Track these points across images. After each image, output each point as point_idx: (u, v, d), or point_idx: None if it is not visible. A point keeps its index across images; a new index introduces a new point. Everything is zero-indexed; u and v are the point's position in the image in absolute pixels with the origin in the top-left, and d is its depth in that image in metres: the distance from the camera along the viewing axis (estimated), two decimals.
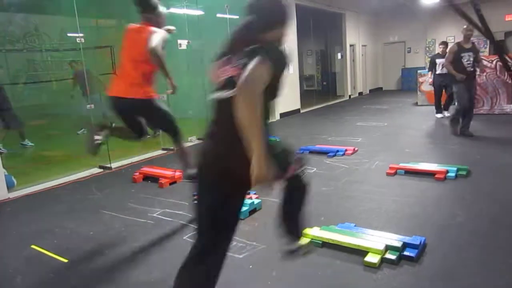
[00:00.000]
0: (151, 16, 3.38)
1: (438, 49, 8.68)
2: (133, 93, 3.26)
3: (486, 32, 4.59)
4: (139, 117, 3.48)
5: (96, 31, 9.15)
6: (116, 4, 9.38)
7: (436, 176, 4.32)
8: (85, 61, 6.36)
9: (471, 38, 6.27)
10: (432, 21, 14.32)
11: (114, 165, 5.82)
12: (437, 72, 8.22)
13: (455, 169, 4.40)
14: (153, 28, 3.26)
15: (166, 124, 3.64)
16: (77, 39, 5.47)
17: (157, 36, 3.19)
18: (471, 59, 6.16)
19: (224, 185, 1.69)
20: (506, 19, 13.44)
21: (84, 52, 5.96)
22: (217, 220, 1.76)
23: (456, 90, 6.32)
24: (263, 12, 1.75)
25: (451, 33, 13.80)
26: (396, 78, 16.28)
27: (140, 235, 3.37)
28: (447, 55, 6.50)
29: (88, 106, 5.91)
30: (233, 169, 1.63)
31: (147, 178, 5.02)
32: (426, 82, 10.57)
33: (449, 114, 7.93)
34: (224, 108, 1.60)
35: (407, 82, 15.24)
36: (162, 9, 3.52)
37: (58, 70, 9.91)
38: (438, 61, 8.16)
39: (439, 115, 8.53)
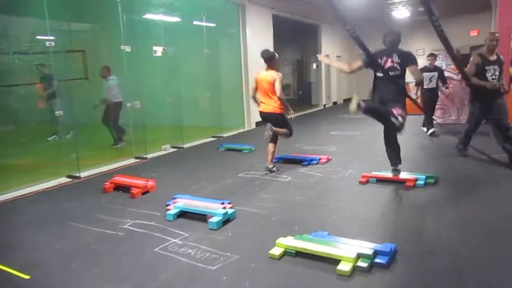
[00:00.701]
0: (272, 63, 5.29)
1: (426, 62, 7.86)
2: (272, 109, 5.30)
3: (446, 45, 4.88)
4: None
5: (68, 35, 8.92)
6: (89, 8, 9.21)
7: (406, 184, 4.41)
8: (55, 65, 6.17)
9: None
10: (404, 34, 14.74)
11: (83, 174, 5.64)
12: (425, 87, 7.60)
13: (424, 177, 4.50)
14: (275, 73, 5.19)
15: (289, 128, 5.54)
16: (47, 42, 5.31)
17: (278, 83, 5.14)
18: (497, 73, 5.14)
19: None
20: (471, 34, 14.04)
21: (55, 56, 5.78)
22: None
23: (471, 110, 5.48)
24: (398, 35, 4.34)
25: (421, 46, 14.26)
26: (368, 88, 16.57)
27: (110, 248, 3.26)
28: (468, 66, 5.35)
29: (57, 112, 5.73)
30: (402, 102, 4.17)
31: (119, 188, 4.88)
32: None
33: (432, 130, 7.67)
34: (395, 79, 4.28)
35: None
36: (276, 56, 5.38)
37: (26, 74, 9.57)
38: (425, 74, 7.53)
39: (430, 130, 7.74)
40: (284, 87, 16.60)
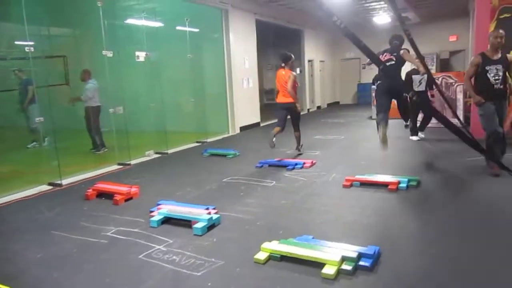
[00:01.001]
0: (288, 63, 6.44)
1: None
2: (286, 100, 6.44)
3: (417, 54, 5.07)
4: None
5: (48, 40, 8.78)
6: (70, 13, 9.10)
7: (389, 187, 4.48)
8: (34, 71, 6.06)
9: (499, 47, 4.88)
10: (385, 39, 15.03)
11: (65, 181, 5.54)
12: (414, 89, 7.41)
13: (406, 180, 4.58)
14: (289, 72, 6.37)
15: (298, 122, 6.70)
16: (26, 47, 5.21)
17: (290, 81, 6.28)
18: (500, 73, 4.79)
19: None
20: (450, 40, 14.42)
21: (34, 61, 5.68)
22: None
23: (481, 113, 4.93)
24: (400, 39, 5.25)
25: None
26: (352, 92, 16.87)
27: (93, 256, 3.21)
28: (468, 68, 5.13)
29: (37, 119, 5.62)
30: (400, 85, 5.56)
31: (101, 194, 4.81)
32: None
33: (423, 136, 7.56)
34: (393, 68, 5.38)
35: (363, 97, 15.81)
36: (292, 57, 6.53)
37: (3, 80, 9.38)
38: (415, 77, 7.44)
39: (414, 138, 7.61)
40: (268, 92, 16.90)
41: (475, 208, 3.84)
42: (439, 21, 14.03)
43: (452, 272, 2.68)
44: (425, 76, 7.17)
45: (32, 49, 5.27)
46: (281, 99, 6.46)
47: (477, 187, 4.54)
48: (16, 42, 8.26)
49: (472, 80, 5.04)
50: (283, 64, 6.46)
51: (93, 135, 7.64)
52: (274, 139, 6.33)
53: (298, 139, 6.79)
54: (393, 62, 5.47)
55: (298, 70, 14.59)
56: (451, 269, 2.72)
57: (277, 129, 6.39)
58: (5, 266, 3.13)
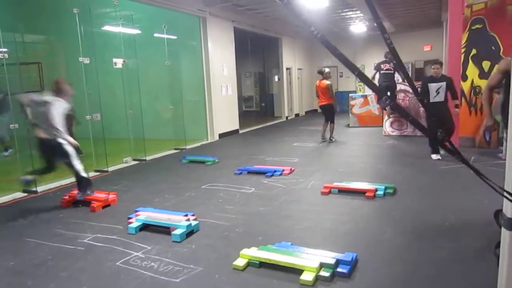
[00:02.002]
0: (323, 76, 8.72)
1: (431, 71, 6.52)
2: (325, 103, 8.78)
3: (398, 62, 5.07)
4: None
5: (21, 46, 8.59)
6: (45, 19, 8.94)
7: (367, 194, 4.57)
8: (9, 78, 5.93)
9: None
10: (361, 48, 15.40)
11: (40, 188, 5.42)
12: (431, 100, 6.28)
13: (383, 187, 4.69)
14: (326, 82, 8.67)
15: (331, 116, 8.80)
16: (0, 54, 5.11)
17: (328, 89, 8.63)
18: None
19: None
20: (425, 49, 14.91)
21: (8, 68, 5.57)
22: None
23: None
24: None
25: (379, 60, 14.85)
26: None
27: (68, 263, 3.15)
28: (492, 75, 4.51)
29: (12, 126, 5.49)
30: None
31: (78, 202, 4.73)
32: (357, 105, 11.29)
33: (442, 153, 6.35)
34: (390, 75, 9.56)
35: (340, 105, 16.04)
36: (325, 71, 8.80)
37: None
38: (432, 86, 6.31)
39: (434, 156, 6.40)
40: (247, 99, 17.00)
41: (451, 213, 3.94)
42: (414, 30, 14.50)
43: (428, 278, 2.75)
44: (444, 83, 6.26)
45: (6, 55, 5.17)
46: (321, 102, 8.80)
47: (450, 195, 4.68)
48: None
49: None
50: (321, 77, 8.73)
51: None
52: (325, 132, 8.89)
53: (332, 130, 8.79)
54: (391, 71, 9.16)
55: (276, 78, 14.78)
56: (427, 274, 2.79)
57: (326, 124, 8.84)
58: None
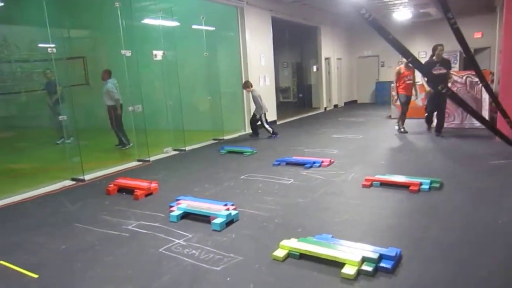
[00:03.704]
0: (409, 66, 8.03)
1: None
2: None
3: (462, 45, 4.63)
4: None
5: (68, 42, 8.97)
6: (89, 14, 9.27)
7: (411, 188, 4.40)
8: (56, 72, 6.22)
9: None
10: (405, 36, 14.80)
11: (87, 177, 5.67)
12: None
13: (428, 181, 4.48)
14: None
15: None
16: (49, 49, 5.34)
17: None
18: None
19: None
20: (475, 37, 14.10)
21: (56, 63, 5.83)
22: None
23: None
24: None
25: (423, 49, 14.27)
26: (370, 91, 16.67)
27: (114, 248, 3.28)
28: None
29: (61, 117, 5.76)
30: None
31: (122, 190, 4.91)
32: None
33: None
34: (443, 77, 7.23)
35: (381, 96, 15.61)
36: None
37: (27, 81, 9.65)
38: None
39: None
40: (284, 90, 16.89)
41: (502, 212, 3.71)
42: (463, 17, 13.68)
43: (473, 279, 2.62)
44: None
45: (54, 50, 5.40)
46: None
47: (501, 193, 4.40)
48: (39, 45, 8.46)
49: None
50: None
51: (117, 132, 7.78)
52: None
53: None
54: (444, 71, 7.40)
55: (314, 68, 14.54)
56: (472, 275, 2.66)
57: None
58: (33, 256, 3.25)
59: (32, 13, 6.11)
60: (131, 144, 7.69)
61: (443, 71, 7.40)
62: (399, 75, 8.36)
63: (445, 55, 8.87)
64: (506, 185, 4.56)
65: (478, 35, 14.09)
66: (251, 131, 8.80)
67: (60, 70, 6.73)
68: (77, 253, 3.24)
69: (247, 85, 8.71)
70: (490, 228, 3.38)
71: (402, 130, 8.40)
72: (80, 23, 9.67)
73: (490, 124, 5.01)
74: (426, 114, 8.13)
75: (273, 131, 8.61)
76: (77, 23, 9.45)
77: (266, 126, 8.59)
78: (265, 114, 8.61)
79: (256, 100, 8.46)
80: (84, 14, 9.27)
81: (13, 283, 2.84)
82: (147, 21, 8.42)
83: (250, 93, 8.64)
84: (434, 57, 7.48)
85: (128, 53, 6.58)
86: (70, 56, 9.23)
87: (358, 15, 3.35)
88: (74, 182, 5.51)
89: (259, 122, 8.61)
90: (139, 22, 8.30)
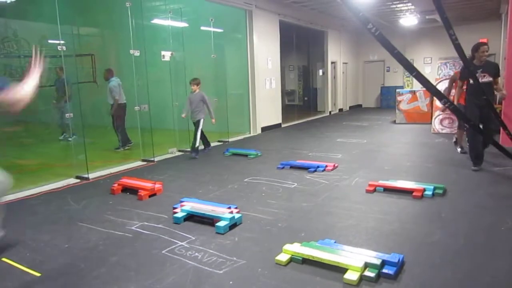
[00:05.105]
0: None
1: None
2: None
3: (463, 61, 4.80)
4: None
5: (77, 39, 9.04)
6: (100, 13, 9.33)
7: (414, 194, 4.40)
8: (66, 69, 6.28)
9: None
10: (411, 41, 14.78)
11: (92, 175, 5.70)
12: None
13: (432, 187, 4.49)
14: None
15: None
16: (59, 46, 5.39)
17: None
18: None
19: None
20: None
21: (65, 59, 5.88)
22: None
23: None
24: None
25: (429, 54, 14.26)
26: (375, 96, 16.66)
27: (117, 249, 3.30)
28: None
29: (67, 115, 5.80)
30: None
31: (126, 189, 4.93)
32: (404, 101, 10.89)
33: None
34: (487, 87, 5.34)
35: (386, 100, 15.60)
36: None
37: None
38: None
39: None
40: (290, 93, 16.90)
41: (506, 220, 3.72)
42: (468, 23, 13.70)
43: (479, 286, 2.61)
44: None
45: (64, 47, 5.44)
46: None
47: (506, 198, 4.40)
48: (49, 41, 8.52)
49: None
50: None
51: (116, 132, 7.79)
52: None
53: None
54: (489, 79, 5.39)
55: (320, 72, 14.55)
56: (476, 281, 2.66)
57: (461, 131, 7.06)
58: (36, 254, 3.26)
59: (44, 9, 6.18)
60: (132, 143, 7.70)
61: (488, 79, 5.42)
62: (455, 81, 6.66)
63: (449, 61, 8.66)
64: (509, 192, 4.55)
65: (483, 41, 14.07)
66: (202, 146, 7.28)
67: (68, 67, 6.79)
68: (81, 253, 3.25)
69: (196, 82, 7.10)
70: (493, 234, 3.38)
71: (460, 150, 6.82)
72: (91, 21, 9.73)
73: (494, 141, 5.14)
74: (470, 148, 5.69)
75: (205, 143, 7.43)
76: (87, 21, 9.51)
77: (198, 135, 7.05)
78: (199, 121, 7.09)
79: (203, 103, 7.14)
80: (95, 12, 9.32)
81: (15, 281, 2.85)
82: (156, 21, 8.47)
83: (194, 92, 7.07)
84: (474, 61, 5.55)
85: (136, 53, 6.62)
86: (79, 53, 9.29)
87: (365, 30, 3.40)
88: (78, 180, 5.55)
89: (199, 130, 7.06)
90: (148, 22, 8.36)
